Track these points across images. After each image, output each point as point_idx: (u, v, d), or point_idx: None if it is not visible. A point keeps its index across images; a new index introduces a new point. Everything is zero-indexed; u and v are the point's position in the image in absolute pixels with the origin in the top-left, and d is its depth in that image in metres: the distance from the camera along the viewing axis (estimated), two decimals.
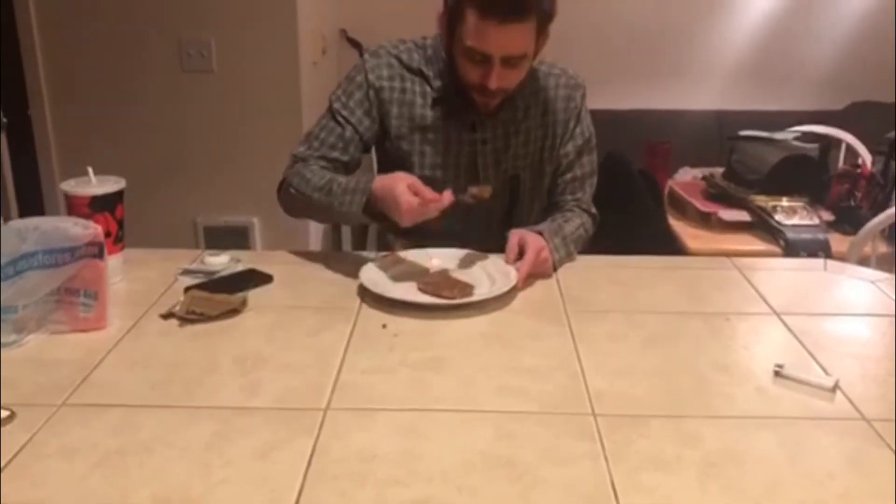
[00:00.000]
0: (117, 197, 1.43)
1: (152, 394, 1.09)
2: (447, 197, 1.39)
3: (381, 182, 1.44)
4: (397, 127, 1.66)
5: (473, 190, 1.47)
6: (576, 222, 1.67)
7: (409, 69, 1.66)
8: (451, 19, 1.53)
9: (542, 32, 1.53)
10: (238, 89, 2.83)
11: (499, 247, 1.70)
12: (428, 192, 1.39)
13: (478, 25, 1.46)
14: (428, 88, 1.65)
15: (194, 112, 2.85)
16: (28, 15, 2.75)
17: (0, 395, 1.06)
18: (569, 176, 1.74)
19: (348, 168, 1.66)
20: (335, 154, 1.64)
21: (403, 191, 1.38)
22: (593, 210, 1.77)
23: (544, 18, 1.51)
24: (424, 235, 1.59)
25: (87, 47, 2.80)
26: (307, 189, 1.57)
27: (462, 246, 1.59)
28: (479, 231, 1.67)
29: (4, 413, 1.01)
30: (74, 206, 1.39)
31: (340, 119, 1.65)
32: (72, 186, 1.41)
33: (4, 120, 2.77)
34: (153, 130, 2.87)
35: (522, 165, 1.70)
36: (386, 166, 1.69)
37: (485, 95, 1.57)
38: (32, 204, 2.87)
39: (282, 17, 2.76)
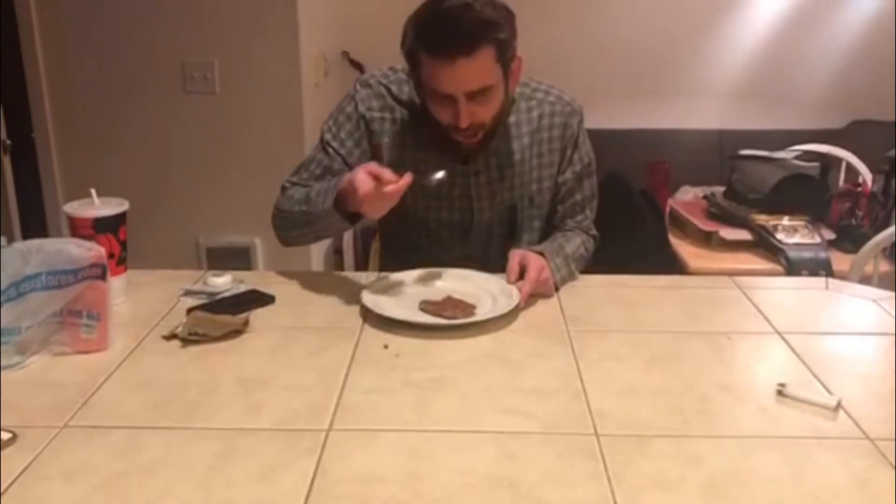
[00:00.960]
0: (120, 218, 1.44)
1: (154, 415, 1.08)
2: (406, 179, 1.36)
3: (347, 175, 1.43)
4: (387, 158, 1.63)
5: (438, 175, 1.45)
6: (576, 241, 1.68)
7: (399, 101, 1.65)
8: (412, 66, 1.53)
9: (505, 60, 1.49)
10: (241, 111, 2.84)
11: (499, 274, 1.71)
12: (386, 174, 1.36)
13: (432, 67, 1.46)
14: (418, 122, 1.63)
15: (197, 133, 2.86)
16: (32, 37, 2.77)
17: (0, 416, 1.06)
18: (569, 202, 1.74)
19: None
20: (323, 177, 1.63)
21: (362, 177, 1.36)
22: (594, 231, 1.77)
23: (502, 46, 1.47)
24: (423, 260, 1.60)
25: (90, 70, 2.82)
26: (289, 205, 1.58)
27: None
28: (479, 261, 1.63)
29: (6, 435, 1.01)
30: (78, 228, 1.40)
31: (330, 150, 1.65)
32: (75, 208, 1.42)
33: (8, 142, 2.78)
34: (156, 151, 2.88)
35: (519, 195, 1.70)
36: None
37: (461, 134, 1.54)
38: (36, 225, 2.87)
39: (284, 40, 2.78)
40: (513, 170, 1.67)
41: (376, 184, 1.36)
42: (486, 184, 1.67)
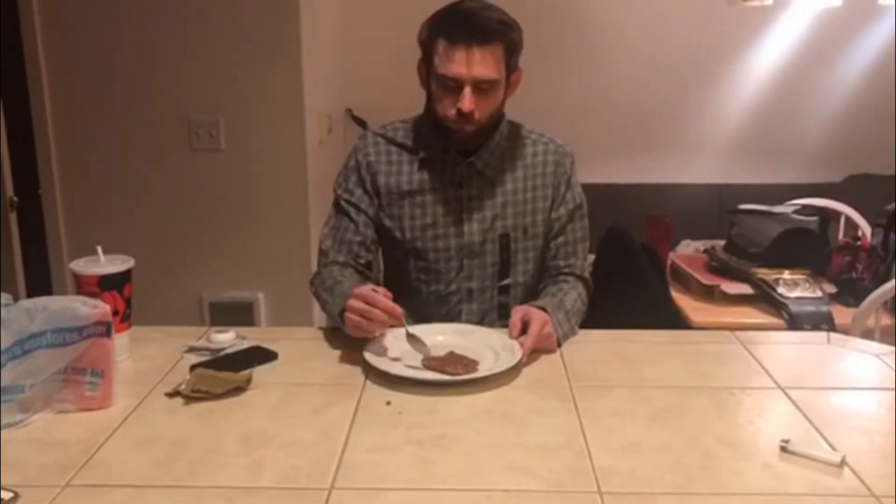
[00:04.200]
0: (126, 276, 1.45)
1: (157, 473, 1.08)
2: (397, 310, 1.44)
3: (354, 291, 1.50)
4: (386, 194, 1.75)
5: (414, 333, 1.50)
6: (573, 295, 1.69)
7: (394, 143, 1.77)
8: (426, 55, 1.66)
9: (510, 63, 1.64)
10: (245, 167, 2.87)
11: (495, 311, 1.74)
12: (380, 300, 1.43)
13: (447, 52, 1.59)
14: (414, 156, 1.75)
15: (202, 190, 2.89)
16: (41, 94, 2.82)
17: (1, 475, 1.05)
18: (561, 240, 1.78)
19: (365, 246, 1.76)
20: (349, 236, 1.75)
21: (352, 302, 1.45)
22: (586, 275, 1.79)
23: (511, 47, 1.62)
24: (425, 303, 1.65)
25: (97, 126, 2.86)
26: (320, 289, 1.68)
27: (457, 305, 1.69)
28: (475, 293, 1.74)
29: (8, 494, 1.00)
30: (83, 285, 1.41)
31: (345, 204, 1.77)
32: (81, 266, 1.43)
33: (15, 199, 2.81)
34: (161, 208, 2.91)
35: (511, 225, 1.74)
36: (382, 236, 1.78)
37: (458, 122, 1.64)
38: (40, 283, 2.88)
39: (288, 98, 2.83)
40: (505, 199, 1.74)
41: (365, 307, 1.43)
42: (479, 209, 1.73)
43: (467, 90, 1.60)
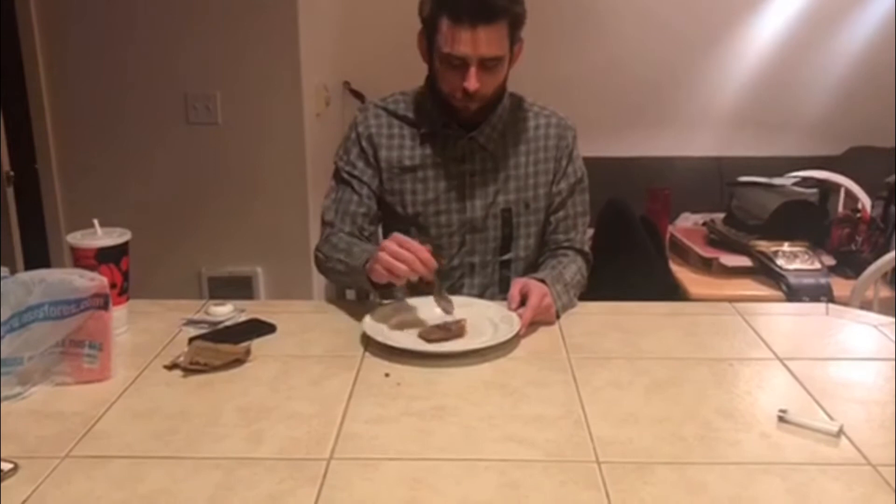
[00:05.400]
0: (123, 249, 1.44)
1: (156, 445, 1.08)
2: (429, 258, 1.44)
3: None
4: (388, 169, 1.73)
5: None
6: (573, 268, 1.69)
7: (396, 115, 1.75)
8: (429, 32, 1.63)
9: (514, 37, 1.61)
10: (243, 141, 2.86)
11: (496, 284, 1.74)
12: (418, 245, 1.45)
13: (451, 31, 1.56)
14: (415, 130, 1.73)
15: (200, 164, 2.88)
16: (36, 69, 2.80)
17: (1, 447, 1.05)
18: (561, 214, 1.77)
19: (368, 218, 1.74)
20: (353, 208, 1.73)
21: (388, 240, 1.47)
22: (586, 249, 1.79)
23: (515, 21, 1.59)
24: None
25: (93, 101, 2.84)
26: (332, 253, 1.67)
27: (459, 282, 1.68)
28: (477, 267, 1.74)
29: (8, 465, 1.01)
30: (80, 258, 1.41)
31: (346, 176, 1.75)
32: (78, 239, 1.42)
33: (11, 173, 2.80)
34: (159, 182, 2.90)
35: (514, 199, 1.73)
36: (384, 210, 1.77)
37: (464, 100, 1.62)
38: (38, 256, 2.88)
39: (286, 70, 2.81)
40: (507, 173, 1.73)
41: (400, 250, 1.44)
42: (481, 184, 1.72)
43: (473, 69, 1.57)
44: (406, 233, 1.73)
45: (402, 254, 1.43)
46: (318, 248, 1.74)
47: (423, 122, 1.72)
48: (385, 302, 1.59)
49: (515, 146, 1.73)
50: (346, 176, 1.75)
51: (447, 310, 1.48)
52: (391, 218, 1.77)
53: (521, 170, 1.73)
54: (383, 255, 1.44)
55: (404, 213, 1.73)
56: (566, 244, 1.76)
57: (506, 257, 1.75)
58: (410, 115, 1.74)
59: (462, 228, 1.73)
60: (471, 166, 1.72)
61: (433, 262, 1.44)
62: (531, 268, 1.75)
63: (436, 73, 1.65)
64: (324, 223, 1.76)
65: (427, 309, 1.53)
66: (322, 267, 1.72)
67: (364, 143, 1.74)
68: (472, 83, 1.58)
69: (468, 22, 1.54)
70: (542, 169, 1.75)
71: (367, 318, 1.47)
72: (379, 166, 1.73)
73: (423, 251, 1.44)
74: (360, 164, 1.74)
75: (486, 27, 1.54)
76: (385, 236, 1.87)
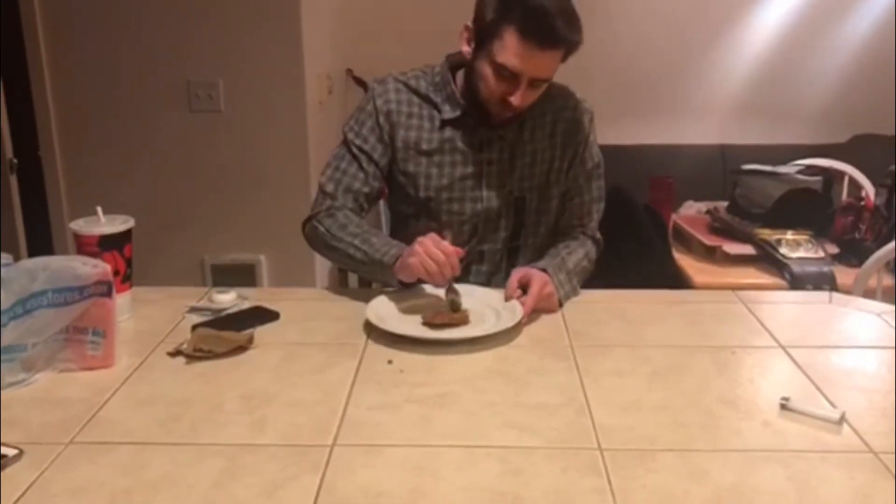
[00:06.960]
0: (126, 236, 1.45)
1: (160, 431, 1.09)
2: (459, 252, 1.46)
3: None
4: (403, 149, 1.68)
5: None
6: (579, 254, 1.68)
7: (417, 93, 1.69)
8: (485, 33, 1.55)
9: (564, 61, 1.58)
10: (245, 129, 2.86)
11: (503, 271, 1.73)
12: (453, 251, 1.45)
13: (516, 46, 1.50)
14: (435, 112, 1.68)
15: (202, 151, 2.88)
16: (39, 57, 2.80)
17: (4, 433, 1.06)
18: (577, 200, 1.75)
19: (370, 198, 1.71)
20: (357, 185, 1.68)
21: (424, 238, 1.47)
22: (598, 236, 1.78)
23: (572, 49, 1.55)
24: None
25: (96, 88, 2.84)
26: (342, 234, 1.62)
27: (466, 268, 1.65)
28: (486, 254, 1.72)
29: (12, 451, 1.01)
30: (83, 245, 1.41)
31: (355, 150, 1.69)
32: (81, 226, 1.43)
33: (15, 160, 2.80)
34: (161, 170, 2.90)
35: (528, 187, 1.71)
36: (393, 189, 1.73)
37: (503, 108, 1.59)
38: (41, 243, 2.89)
39: (288, 58, 2.80)
40: (524, 160, 1.70)
41: (439, 254, 1.44)
42: (498, 174, 1.69)
43: (523, 86, 1.54)
44: (416, 216, 1.73)
45: (443, 260, 1.44)
46: (316, 220, 1.67)
47: (445, 106, 1.67)
48: (388, 289, 1.59)
49: (532, 132, 1.69)
50: (354, 150, 1.68)
51: (456, 303, 1.48)
52: (399, 197, 1.73)
53: (538, 156, 1.70)
54: (424, 258, 1.44)
55: (415, 195, 1.70)
56: (579, 230, 1.75)
57: (515, 244, 1.74)
58: (432, 96, 1.68)
59: (474, 218, 1.70)
60: (488, 155, 1.68)
61: (458, 267, 1.46)
62: (539, 255, 1.72)
63: (479, 73, 1.59)
64: (323, 192, 1.70)
65: (431, 297, 1.54)
66: (320, 241, 1.66)
67: (381, 119, 1.68)
68: (519, 99, 1.55)
69: (536, 44, 1.50)
70: (558, 155, 1.71)
71: (370, 306, 1.47)
72: (394, 145, 1.68)
73: (454, 255, 1.44)
74: (372, 140, 1.68)
75: (550, 52, 1.52)
76: (393, 215, 1.85)
